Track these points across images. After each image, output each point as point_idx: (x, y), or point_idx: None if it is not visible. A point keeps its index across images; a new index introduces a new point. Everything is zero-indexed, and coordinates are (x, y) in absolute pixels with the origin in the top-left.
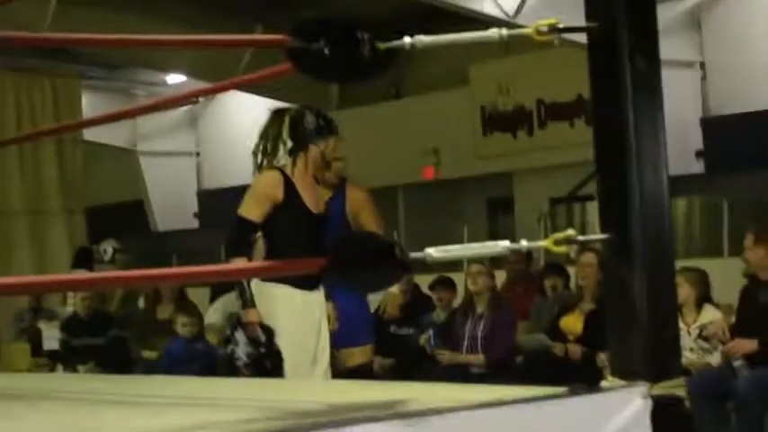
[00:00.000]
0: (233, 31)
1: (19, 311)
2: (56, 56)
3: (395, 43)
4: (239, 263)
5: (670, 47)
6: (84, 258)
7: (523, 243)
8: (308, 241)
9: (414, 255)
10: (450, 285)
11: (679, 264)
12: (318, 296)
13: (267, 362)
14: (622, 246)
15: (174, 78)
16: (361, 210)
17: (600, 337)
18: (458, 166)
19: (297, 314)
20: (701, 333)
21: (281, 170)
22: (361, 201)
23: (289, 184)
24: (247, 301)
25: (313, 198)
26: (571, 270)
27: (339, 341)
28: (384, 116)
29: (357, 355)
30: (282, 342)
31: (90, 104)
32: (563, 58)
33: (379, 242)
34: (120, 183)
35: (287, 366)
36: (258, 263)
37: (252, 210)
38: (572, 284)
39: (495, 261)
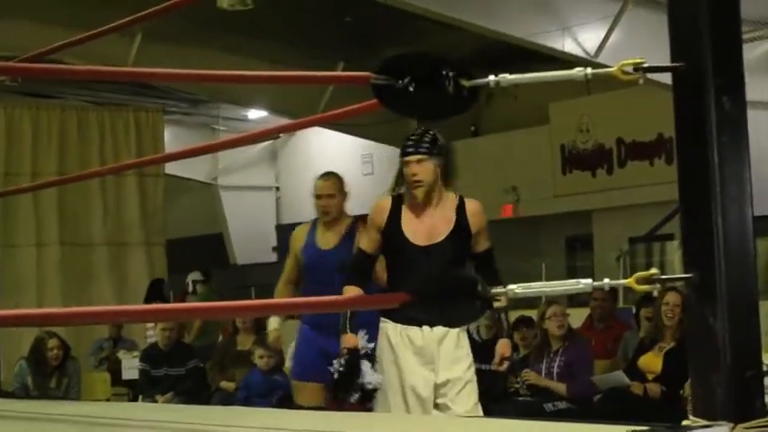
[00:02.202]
0: (313, 68)
1: (99, 341)
2: (139, 91)
3: (479, 81)
4: (349, 291)
5: (751, 88)
6: (156, 290)
7: (606, 281)
8: (406, 271)
9: (495, 290)
10: (531, 324)
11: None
12: (432, 332)
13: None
14: (705, 285)
15: (255, 114)
16: None
17: (679, 376)
18: (537, 204)
19: (394, 348)
20: None
21: (397, 197)
22: None
23: (395, 211)
24: (344, 326)
25: (414, 225)
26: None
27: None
28: (463, 153)
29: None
30: (384, 375)
31: (172, 138)
32: (643, 98)
33: (461, 277)
34: (200, 216)
35: (387, 399)
36: (340, 297)
37: (362, 239)
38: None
39: (572, 299)
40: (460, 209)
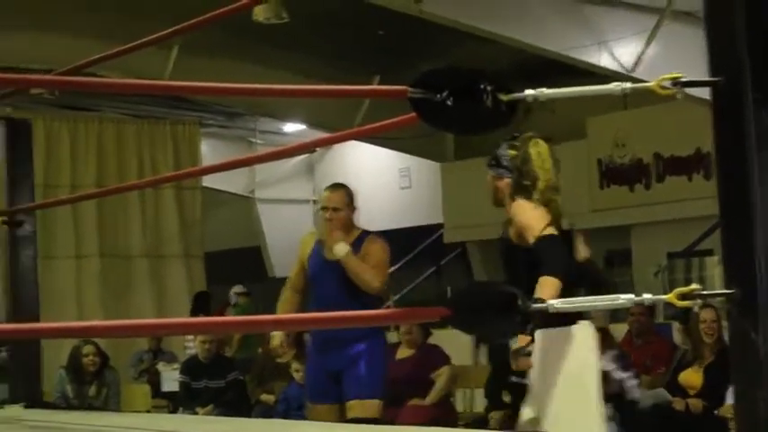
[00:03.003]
0: (348, 82)
1: (139, 353)
2: (176, 104)
3: (517, 95)
4: None
5: None
6: (202, 302)
7: (647, 296)
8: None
9: (536, 306)
10: None
11: None
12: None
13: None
14: (747, 301)
15: (292, 127)
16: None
17: (720, 391)
18: (574, 219)
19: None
20: None
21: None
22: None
23: None
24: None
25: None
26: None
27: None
28: None
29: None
30: None
31: (209, 151)
32: (681, 112)
33: (501, 292)
34: (238, 229)
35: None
36: (381, 311)
37: None
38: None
39: (611, 315)
40: None
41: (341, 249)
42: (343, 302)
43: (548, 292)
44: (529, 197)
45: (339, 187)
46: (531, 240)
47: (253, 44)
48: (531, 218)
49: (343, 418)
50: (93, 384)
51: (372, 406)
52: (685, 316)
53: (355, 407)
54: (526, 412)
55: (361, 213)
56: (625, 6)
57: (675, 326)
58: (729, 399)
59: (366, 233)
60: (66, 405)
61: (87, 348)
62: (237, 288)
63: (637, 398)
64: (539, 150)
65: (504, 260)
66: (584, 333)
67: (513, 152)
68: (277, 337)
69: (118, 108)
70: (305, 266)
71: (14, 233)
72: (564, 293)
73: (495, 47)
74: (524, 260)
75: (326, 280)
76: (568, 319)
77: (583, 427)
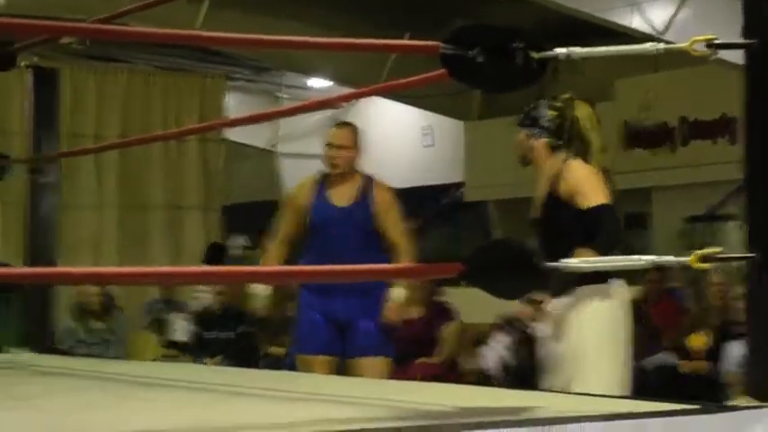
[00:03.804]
0: (377, 38)
1: (150, 302)
2: (204, 57)
3: (549, 53)
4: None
5: None
6: (216, 253)
7: (668, 258)
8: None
9: (551, 264)
10: None
11: None
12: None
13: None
14: (767, 265)
15: (319, 83)
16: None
17: (724, 354)
18: None
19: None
20: None
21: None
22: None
23: None
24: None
25: None
26: None
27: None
28: None
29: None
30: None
31: (235, 105)
32: (708, 76)
33: (518, 250)
34: (259, 183)
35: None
36: (395, 265)
37: None
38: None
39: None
40: None
41: (399, 296)
42: (356, 253)
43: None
44: (585, 160)
45: (346, 125)
46: (588, 205)
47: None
48: (592, 183)
49: (345, 373)
50: (100, 320)
51: (382, 364)
52: (696, 281)
53: (364, 365)
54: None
55: (383, 169)
56: None
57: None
58: (727, 364)
59: (370, 178)
60: (74, 344)
61: (91, 289)
62: (241, 240)
63: None
64: (586, 113)
65: (545, 216)
66: (619, 293)
67: (553, 113)
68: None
69: (146, 60)
70: (302, 215)
71: (37, 180)
72: None
73: (524, 6)
74: (573, 221)
75: (336, 228)
76: (601, 278)
77: (610, 384)
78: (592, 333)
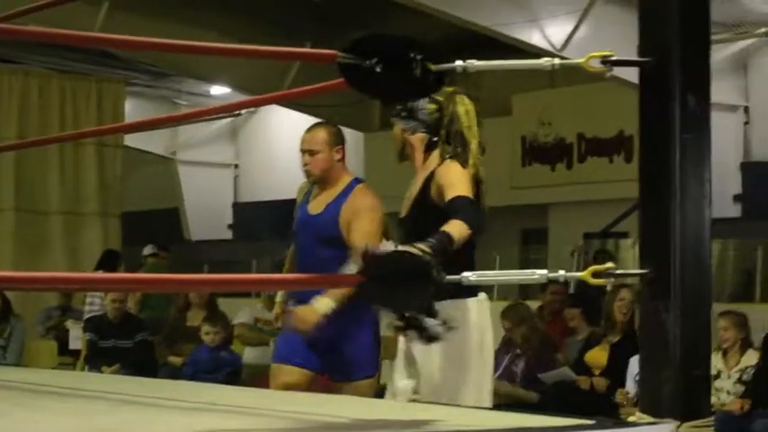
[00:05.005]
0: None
1: (48, 309)
2: (103, 61)
3: (446, 65)
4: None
5: (715, 90)
6: (110, 260)
7: (561, 273)
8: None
9: (450, 277)
10: None
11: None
12: None
13: None
14: (660, 281)
15: (218, 90)
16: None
17: (622, 370)
18: (493, 195)
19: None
20: (741, 377)
21: None
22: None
23: None
24: None
25: None
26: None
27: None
28: None
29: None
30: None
31: (133, 110)
32: (605, 94)
33: (415, 262)
34: (157, 190)
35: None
36: (299, 275)
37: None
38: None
39: (525, 292)
40: None
41: (323, 306)
42: (316, 262)
43: (456, 230)
44: (462, 162)
45: (318, 126)
46: (448, 198)
47: (184, 5)
48: (460, 181)
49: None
50: None
51: (363, 386)
52: (595, 297)
53: (346, 389)
54: (404, 383)
55: (281, 180)
56: None
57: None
58: (629, 380)
59: (356, 181)
60: None
61: None
62: (148, 248)
63: None
64: (466, 108)
65: (412, 216)
66: (481, 306)
67: (432, 106)
68: (278, 305)
69: (43, 63)
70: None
71: None
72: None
73: (426, 20)
74: (438, 218)
75: (302, 235)
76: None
77: (473, 399)
78: (450, 350)
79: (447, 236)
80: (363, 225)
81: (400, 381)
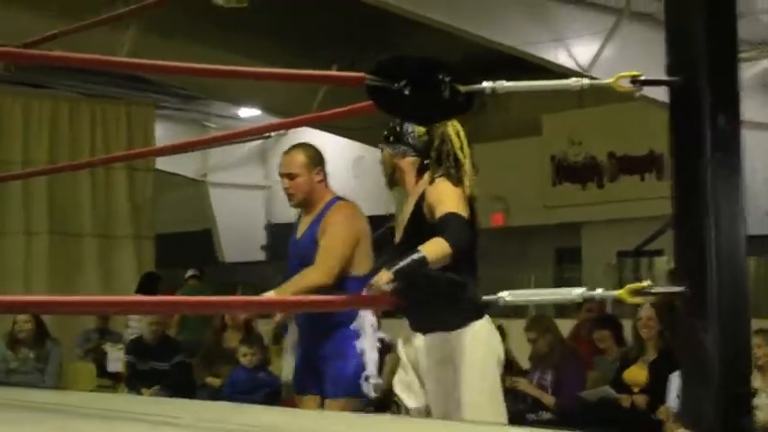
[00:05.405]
0: (309, 69)
1: (86, 332)
2: (132, 85)
3: (475, 87)
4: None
5: (745, 108)
6: (151, 282)
7: (598, 291)
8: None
9: (486, 297)
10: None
11: None
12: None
13: None
14: (697, 299)
15: (247, 112)
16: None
17: (662, 387)
18: (526, 215)
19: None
20: None
21: None
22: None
23: None
24: None
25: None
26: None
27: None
28: None
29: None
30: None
31: (163, 134)
32: (635, 113)
33: (451, 282)
34: (189, 212)
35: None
36: (333, 296)
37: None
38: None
39: (560, 310)
40: None
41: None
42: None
43: (433, 249)
44: (455, 182)
45: (295, 148)
46: (438, 215)
47: (211, 28)
48: (451, 198)
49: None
50: (32, 349)
51: (340, 404)
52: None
53: (330, 406)
54: (415, 406)
55: None
56: (584, 5)
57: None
58: (671, 397)
59: (335, 199)
60: (7, 373)
61: (21, 317)
62: (191, 271)
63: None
64: (456, 129)
65: (408, 240)
66: (487, 328)
67: (421, 129)
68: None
69: (73, 87)
70: None
71: None
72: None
73: (450, 40)
74: (429, 236)
75: (293, 260)
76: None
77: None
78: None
79: (420, 257)
80: (324, 240)
81: (410, 402)
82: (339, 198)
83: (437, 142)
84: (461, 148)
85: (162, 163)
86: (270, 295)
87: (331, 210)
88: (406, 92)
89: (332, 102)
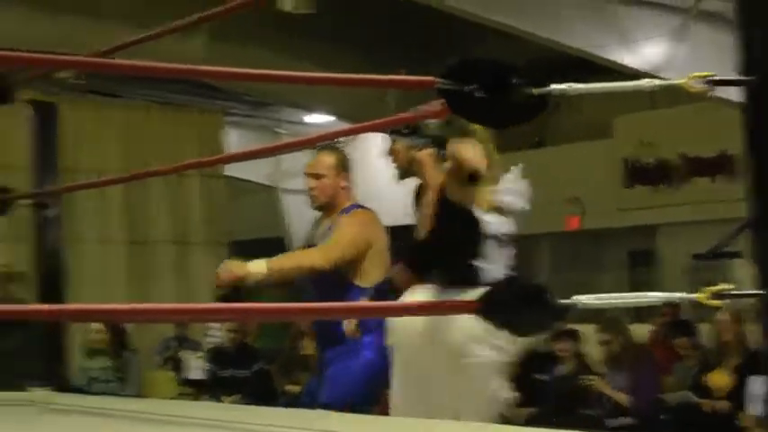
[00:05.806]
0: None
1: (165, 340)
2: (202, 92)
3: (548, 89)
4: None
5: None
6: (232, 291)
7: (678, 295)
8: None
9: (563, 301)
10: (573, 336)
11: None
12: None
13: None
14: None
15: (318, 118)
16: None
17: (747, 392)
18: (600, 218)
19: None
20: None
21: None
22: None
23: None
24: None
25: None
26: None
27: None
28: (526, 164)
29: None
30: None
31: (233, 141)
32: (706, 114)
33: (529, 287)
34: (262, 218)
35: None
36: (410, 302)
37: None
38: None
39: (635, 314)
40: None
41: (256, 267)
42: (318, 294)
43: None
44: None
45: (325, 149)
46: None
47: (280, 34)
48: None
49: None
50: (111, 358)
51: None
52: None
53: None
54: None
55: (383, 205)
56: (652, 6)
57: (702, 327)
58: (752, 402)
59: (354, 206)
60: (88, 381)
61: (95, 325)
62: None
63: None
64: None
65: (439, 229)
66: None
67: (438, 121)
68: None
69: (144, 95)
70: None
71: (41, 215)
72: None
73: (518, 44)
74: (465, 220)
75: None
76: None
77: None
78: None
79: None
80: (335, 233)
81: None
82: (359, 206)
83: (458, 134)
84: (485, 141)
85: (234, 169)
86: (260, 263)
87: (348, 213)
88: (479, 95)
89: (402, 106)
